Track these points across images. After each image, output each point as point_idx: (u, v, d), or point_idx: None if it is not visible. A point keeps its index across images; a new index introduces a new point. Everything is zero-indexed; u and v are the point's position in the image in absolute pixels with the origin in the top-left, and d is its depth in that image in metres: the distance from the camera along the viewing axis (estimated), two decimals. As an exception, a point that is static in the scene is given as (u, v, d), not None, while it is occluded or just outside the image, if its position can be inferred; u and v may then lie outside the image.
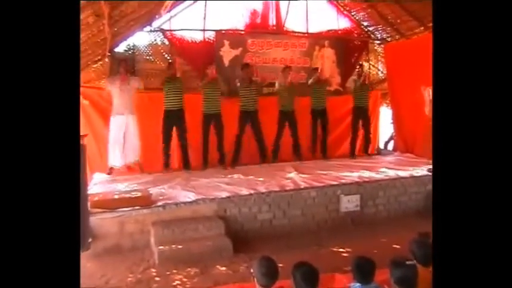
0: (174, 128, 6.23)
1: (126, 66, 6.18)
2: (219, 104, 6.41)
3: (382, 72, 8.67)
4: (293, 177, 5.68)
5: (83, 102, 6.56)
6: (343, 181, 5.48)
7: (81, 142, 3.55)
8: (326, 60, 7.83)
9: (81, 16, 3.93)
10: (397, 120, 8.07)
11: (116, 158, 6.05)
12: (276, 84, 6.92)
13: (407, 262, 2.41)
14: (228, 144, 6.57)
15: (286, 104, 6.84)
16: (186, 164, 6.35)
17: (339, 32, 8.08)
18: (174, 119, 6.18)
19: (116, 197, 4.62)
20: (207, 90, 6.33)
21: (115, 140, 6.01)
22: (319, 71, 7.28)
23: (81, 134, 4.29)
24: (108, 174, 6.06)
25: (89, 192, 4.67)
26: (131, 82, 6.06)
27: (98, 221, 4.26)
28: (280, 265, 3.29)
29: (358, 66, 7.69)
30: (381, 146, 8.84)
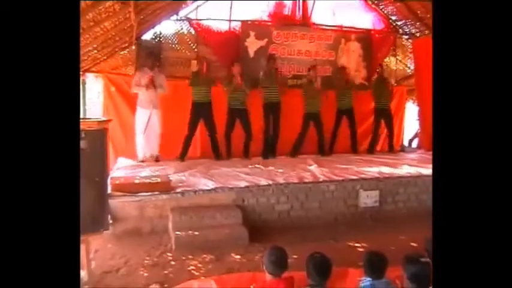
0: (201, 120, 6.29)
1: (153, 61, 6.25)
2: (245, 99, 6.41)
3: (409, 68, 8.48)
4: (313, 169, 5.65)
5: (110, 89, 6.73)
6: (363, 176, 5.41)
7: (104, 126, 3.65)
8: (352, 54, 7.73)
9: (108, 3, 4.00)
10: (423, 117, 7.89)
11: (140, 149, 6.18)
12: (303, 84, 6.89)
13: (422, 259, 2.37)
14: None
15: (312, 106, 6.76)
16: (216, 154, 6.39)
17: (367, 25, 7.94)
18: (201, 111, 6.23)
19: (137, 181, 4.70)
20: (231, 86, 6.33)
21: (140, 132, 6.13)
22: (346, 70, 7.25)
23: (106, 119, 4.42)
24: (142, 161, 6.15)
25: (111, 175, 4.80)
26: (157, 83, 6.08)
27: (119, 204, 4.35)
28: (295, 256, 3.33)
29: (378, 67, 7.53)
30: (405, 143, 8.69)
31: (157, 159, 6.25)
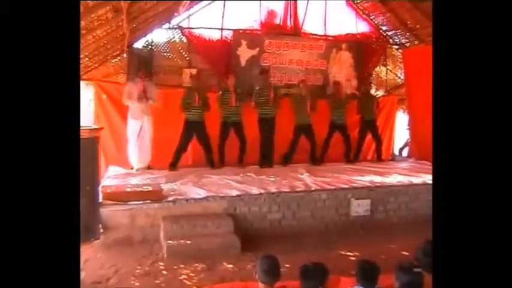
0: (195, 136, 6.25)
1: (144, 71, 6.22)
2: (239, 113, 6.41)
3: (399, 78, 8.59)
4: (304, 178, 5.68)
5: (102, 96, 6.71)
6: (354, 185, 5.45)
7: (96, 135, 3.64)
8: (343, 64, 7.80)
9: (100, 11, 4.01)
10: (413, 126, 7.99)
11: (134, 159, 6.17)
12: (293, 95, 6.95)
13: (415, 270, 2.38)
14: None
15: (303, 119, 6.75)
16: (211, 165, 6.35)
17: (357, 35, 8.05)
18: (194, 129, 6.20)
19: (128, 190, 4.69)
20: (225, 99, 6.32)
21: (132, 142, 6.12)
22: (333, 80, 7.35)
23: (98, 127, 4.39)
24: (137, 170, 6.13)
25: (102, 184, 4.78)
26: (148, 94, 6.03)
27: (110, 212, 4.32)
28: (287, 265, 3.33)
29: (368, 78, 7.64)
30: (396, 152, 8.76)
31: (149, 167, 6.24)
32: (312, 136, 6.86)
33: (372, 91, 8.18)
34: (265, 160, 6.61)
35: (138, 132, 6.05)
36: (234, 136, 6.49)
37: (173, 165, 6.23)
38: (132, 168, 6.16)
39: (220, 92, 6.47)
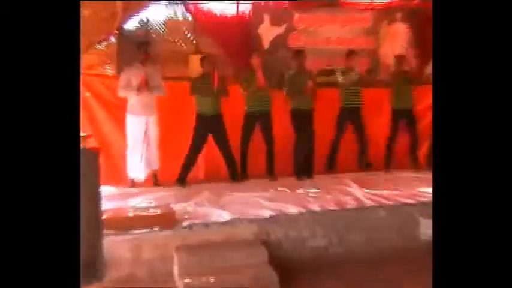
0: (210, 136, 6.43)
1: (143, 55, 6.32)
2: (268, 100, 6.57)
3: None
4: (354, 192, 5.78)
5: (85, 94, 6.76)
6: (422, 199, 5.50)
7: (88, 146, 3.78)
8: (398, 39, 7.87)
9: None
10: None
11: (136, 168, 6.30)
12: (337, 75, 7.10)
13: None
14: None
15: (349, 99, 6.95)
16: (233, 174, 6.54)
17: (415, 0, 8.05)
18: (209, 126, 6.35)
19: (131, 214, 4.80)
20: (250, 83, 6.48)
21: (134, 146, 6.24)
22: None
23: (85, 134, 4.47)
24: (132, 187, 6.30)
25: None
26: (152, 83, 6.18)
27: (109, 244, 4.42)
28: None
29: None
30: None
31: (156, 180, 6.43)
32: (361, 124, 7.04)
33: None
34: (302, 168, 6.71)
35: (142, 132, 6.17)
36: (258, 137, 6.63)
37: (182, 179, 6.38)
38: (132, 185, 6.33)
39: (243, 73, 6.65)
